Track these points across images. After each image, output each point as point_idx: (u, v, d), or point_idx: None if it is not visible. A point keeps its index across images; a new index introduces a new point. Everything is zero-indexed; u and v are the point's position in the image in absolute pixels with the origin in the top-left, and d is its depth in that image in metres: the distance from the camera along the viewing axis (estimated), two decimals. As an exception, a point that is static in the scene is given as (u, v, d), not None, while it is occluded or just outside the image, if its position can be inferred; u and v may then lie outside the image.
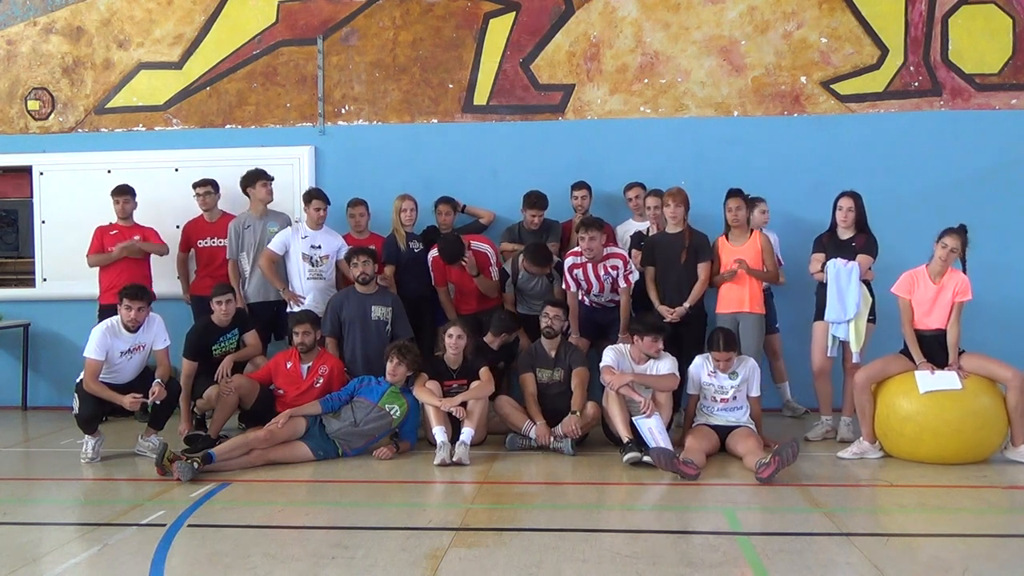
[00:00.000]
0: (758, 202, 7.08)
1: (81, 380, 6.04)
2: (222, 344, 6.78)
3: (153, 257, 7.61)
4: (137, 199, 7.58)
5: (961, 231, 5.83)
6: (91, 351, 5.96)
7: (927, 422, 5.59)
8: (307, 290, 7.19)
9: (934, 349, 5.77)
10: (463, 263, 6.82)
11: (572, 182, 7.51)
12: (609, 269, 6.69)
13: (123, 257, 7.41)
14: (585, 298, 6.87)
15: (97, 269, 7.51)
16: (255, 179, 7.41)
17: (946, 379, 5.63)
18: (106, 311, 6.85)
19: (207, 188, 7.60)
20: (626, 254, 6.83)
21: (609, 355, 6.07)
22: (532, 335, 6.80)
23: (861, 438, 5.94)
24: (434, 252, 7.12)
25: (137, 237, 7.47)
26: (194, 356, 6.70)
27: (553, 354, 6.39)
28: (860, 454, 5.87)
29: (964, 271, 5.89)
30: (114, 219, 7.58)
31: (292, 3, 8.22)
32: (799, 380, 7.34)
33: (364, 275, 6.78)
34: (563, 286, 6.84)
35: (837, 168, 7.55)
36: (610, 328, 6.83)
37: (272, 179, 7.48)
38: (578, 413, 6.07)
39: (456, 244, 6.87)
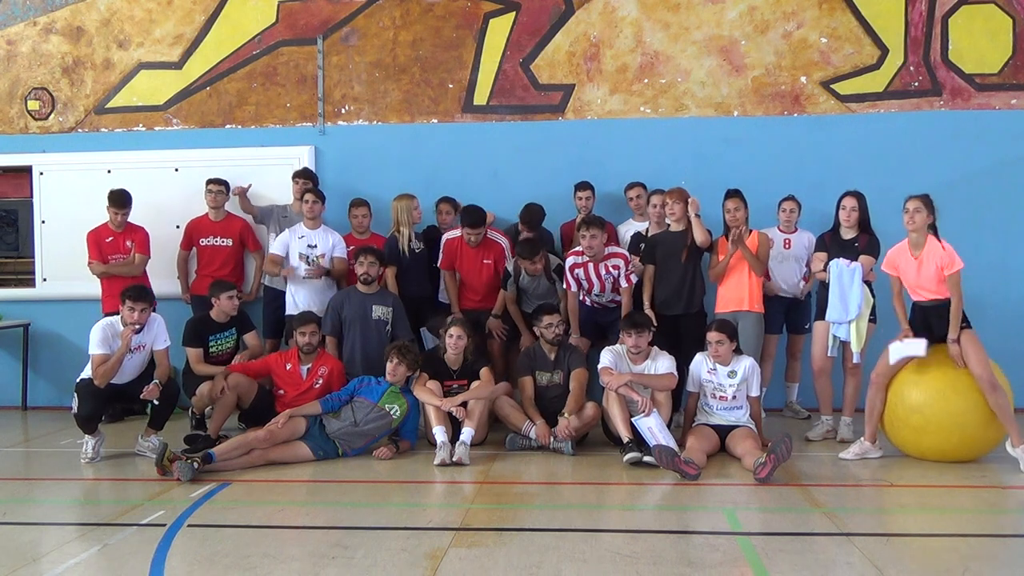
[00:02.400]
0: (783, 202, 7.09)
1: (81, 380, 6.04)
2: (219, 341, 6.79)
3: (153, 255, 7.60)
4: (132, 206, 7.50)
5: (923, 197, 5.75)
6: (95, 347, 5.94)
7: (933, 414, 5.61)
8: (303, 289, 7.19)
9: (931, 318, 5.71)
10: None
11: (572, 182, 7.51)
12: (610, 268, 6.68)
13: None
14: (586, 298, 6.87)
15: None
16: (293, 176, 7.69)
17: (913, 346, 5.66)
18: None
19: (220, 188, 7.63)
20: (627, 254, 6.83)
21: (607, 356, 6.07)
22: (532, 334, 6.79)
23: (862, 438, 5.93)
24: (450, 234, 7.13)
25: (120, 256, 7.47)
26: (195, 344, 6.70)
27: (552, 356, 6.38)
28: (862, 454, 5.86)
29: (937, 239, 5.77)
30: (107, 219, 7.55)
31: (292, 3, 8.23)
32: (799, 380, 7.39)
33: (367, 275, 6.79)
34: (564, 286, 6.85)
35: (837, 168, 7.56)
36: (611, 328, 6.82)
37: (303, 179, 7.59)
38: (569, 417, 6.02)
39: (480, 210, 6.97)
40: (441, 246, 7.15)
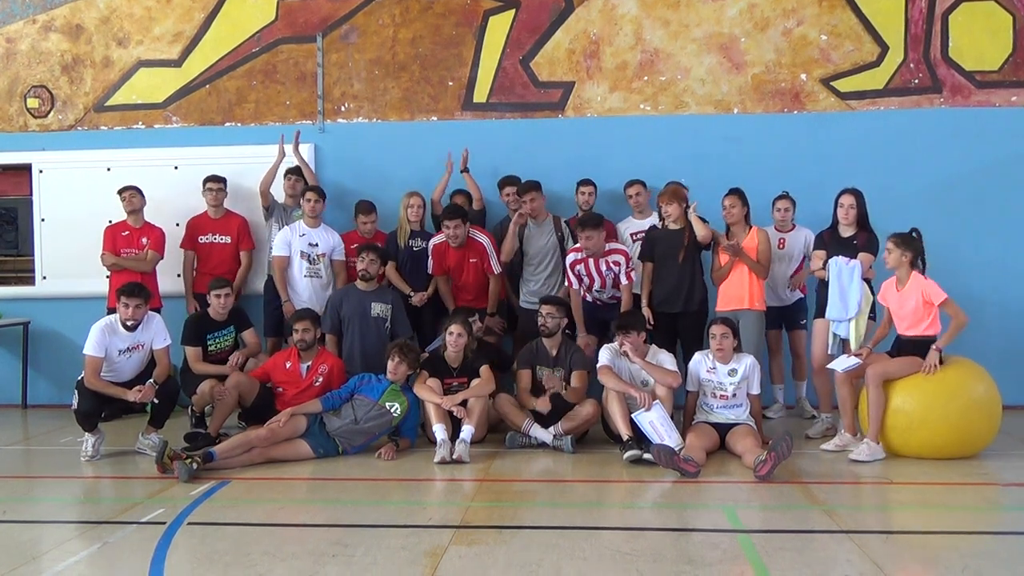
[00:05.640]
0: (777, 200, 7.05)
1: (83, 377, 6.03)
2: (217, 339, 6.78)
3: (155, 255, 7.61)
4: (144, 196, 7.55)
5: (902, 236, 5.85)
6: (90, 348, 5.96)
7: (914, 411, 5.65)
8: (304, 288, 7.20)
9: (908, 352, 5.82)
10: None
11: (572, 180, 7.51)
12: (611, 265, 6.69)
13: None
14: (588, 294, 6.87)
15: (103, 268, 7.52)
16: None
17: (845, 361, 5.96)
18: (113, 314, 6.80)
19: (219, 185, 7.63)
20: (627, 250, 6.82)
21: (605, 354, 6.06)
22: (533, 331, 6.75)
23: (843, 430, 6.02)
24: (435, 239, 7.13)
25: (133, 251, 7.47)
26: (194, 343, 6.70)
27: (554, 353, 6.38)
28: (842, 446, 5.93)
29: (924, 273, 5.88)
30: (123, 216, 7.57)
31: (292, 1, 8.21)
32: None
33: (366, 272, 6.79)
34: (566, 283, 6.85)
35: (837, 165, 7.55)
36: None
37: (295, 176, 7.67)
38: (564, 390, 6.16)
39: (458, 204, 7.11)
40: (429, 252, 7.15)
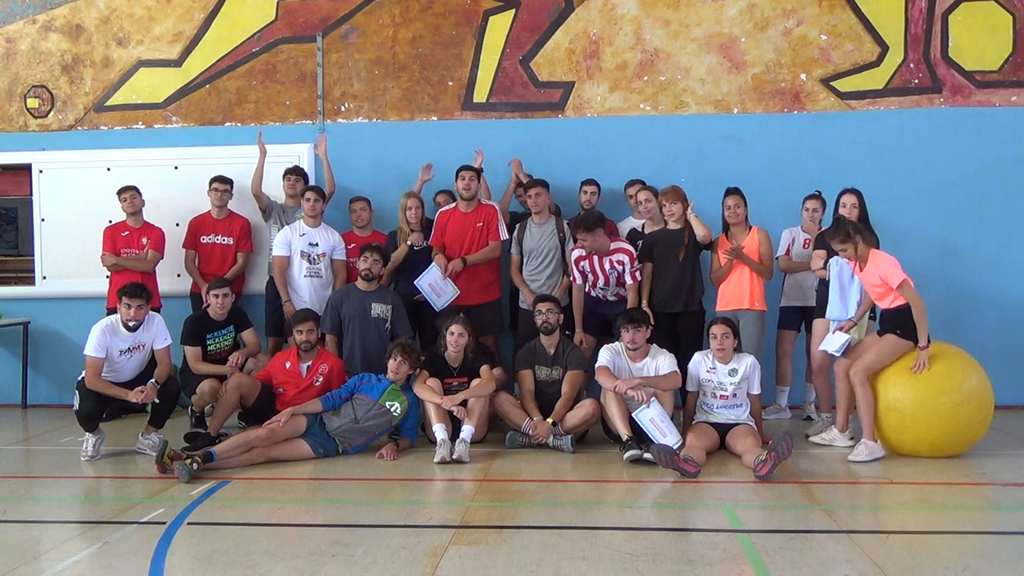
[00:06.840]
0: (807, 200, 6.95)
1: (83, 377, 6.03)
2: (217, 339, 6.78)
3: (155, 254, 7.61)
4: (143, 196, 7.57)
5: (835, 232, 5.80)
6: (91, 349, 5.96)
7: (906, 407, 5.65)
8: (304, 288, 7.21)
9: (886, 321, 5.84)
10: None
11: (572, 180, 7.52)
12: (615, 263, 6.69)
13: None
14: (592, 290, 6.86)
15: (103, 268, 7.53)
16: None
17: (834, 340, 6.01)
18: (113, 314, 6.81)
19: (225, 186, 7.64)
20: (631, 249, 6.80)
21: (604, 355, 6.06)
22: (534, 332, 6.75)
23: (832, 425, 6.07)
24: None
25: (133, 251, 7.49)
26: (193, 342, 6.70)
27: (552, 352, 6.39)
28: (830, 441, 6.02)
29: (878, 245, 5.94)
30: (122, 217, 7.58)
31: (291, 0, 8.22)
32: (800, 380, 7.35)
33: (369, 272, 6.79)
34: (570, 279, 6.85)
35: (837, 165, 7.56)
36: (616, 322, 6.79)
37: (295, 176, 7.66)
38: (556, 423, 6.07)
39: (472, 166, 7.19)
40: (434, 222, 7.19)
